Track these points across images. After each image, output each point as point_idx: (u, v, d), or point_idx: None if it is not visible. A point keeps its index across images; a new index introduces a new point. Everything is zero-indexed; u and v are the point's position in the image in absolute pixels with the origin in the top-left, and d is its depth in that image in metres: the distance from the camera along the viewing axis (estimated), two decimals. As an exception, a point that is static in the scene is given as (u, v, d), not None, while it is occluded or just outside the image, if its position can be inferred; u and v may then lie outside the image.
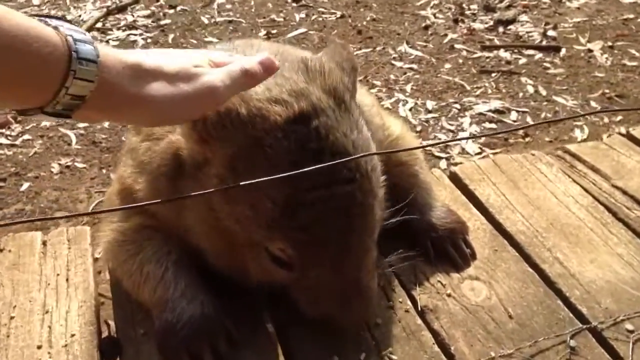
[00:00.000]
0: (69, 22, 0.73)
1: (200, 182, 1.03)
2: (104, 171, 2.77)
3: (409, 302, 1.27)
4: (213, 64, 0.87)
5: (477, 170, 1.64)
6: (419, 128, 3.00)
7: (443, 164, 2.83)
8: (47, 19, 0.70)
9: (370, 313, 1.17)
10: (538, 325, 1.21)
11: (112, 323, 1.28)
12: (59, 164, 2.87)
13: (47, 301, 1.26)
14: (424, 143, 2.76)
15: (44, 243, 1.40)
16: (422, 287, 1.31)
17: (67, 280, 1.31)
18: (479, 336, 1.19)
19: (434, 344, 1.17)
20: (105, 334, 1.24)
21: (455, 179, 1.63)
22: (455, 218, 1.42)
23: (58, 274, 1.32)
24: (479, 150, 2.93)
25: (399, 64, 3.50)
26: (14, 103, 0.71)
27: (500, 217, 1.48)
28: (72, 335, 1.18)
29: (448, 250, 1.37)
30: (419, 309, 1.25)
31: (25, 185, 2.71)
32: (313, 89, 1.02)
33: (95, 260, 1.40)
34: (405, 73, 3.43)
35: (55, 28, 0.69)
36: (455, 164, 2.85)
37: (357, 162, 1.01)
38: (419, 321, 1.22)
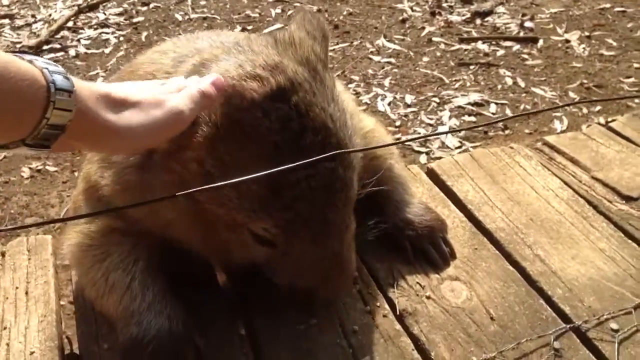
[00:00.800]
0: (39, 55, 0.78)
1: (173, 171, 0.99)
2: (76, 174, 2.68)
3: (386, 306, 1.22)
4: (173, 89, 0.90)
5: (455, 165, 1.59)
6: (398, 122, 2.96)
7: (423, 158, 2.79)
8: (20, 54, 0.73)
9: (349, 286, 1.20)
10: (520, 326, 1.16)
11: (74, 337, 1.22)
12: (30, 168, 2.79)
13: (5, 316, 1.19)
14: (403, 138, 2.72)
15: (2, 254, 1.33)
16: (401, 289, 1.26)
17: (26, 293, 1.24)
18: (459, 340, 1.14)
19: (413, 350, 1.13)
20: (67, 351, 1.17)
21: (432, 175, 1.58)
22: (434, 216, 1.37)
23: (17, 287, 1.25)
24: (459, 144, 2.90)
25: (376, 58, 3.44)
26: None
27: (479, 214, 1.44)
28: (32, 353, 1.12)
29: (427, 249, 1.32)
30: (398, 312, 1.20)
31: (-6, 192, 2.63)
32: (287, 62, 1.00)
33: (57, 271, 1.33)
34: (383, 67, 3.38)
35: (30, 62, 0.71)
36: (436, 159, 2.82)
37: (338, 137, 1.00)
38: (398, 326, 1.17)
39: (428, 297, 1.23)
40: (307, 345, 1.13)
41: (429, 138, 2.95)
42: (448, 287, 1.26)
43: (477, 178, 1.55)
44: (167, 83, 0.93)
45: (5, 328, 1.16)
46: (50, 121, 0.71)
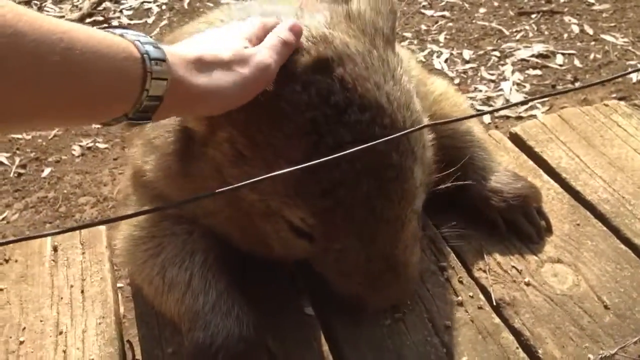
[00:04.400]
0: (127, 28, 0.75)
1: (209, 157, 0.91)
2: (126, 150, 2.61)
3: (481, 296, 1.07)
4: (253, 37, 0.86)
5: (543, 128, 1.41)
6: (456, 80, 2.76)
7: (486, 118, 2.60)
8: (110, 29, 0.72)
9: (408, 294, 1.03)
10: (642, 316, 1.00)
11: (134, 339, 1.11)
12: (80, 146, 2.74)
13: (60, 319, 1.09)
14: (470, 102, 2.52)
15: (55, 248, 1.23)
16: (494, 275, 1.10)
17: (82, 292, 1.14)
18: (570, 334, 0.99)
19: (517, 348, 0.98)
20: (129, 357, 1.07)
21: (517, 141, 1.40)
22: (526, 183, 1.20)
23: (72, 286, 1.15)
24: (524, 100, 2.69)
25: (429, 12, 3.23)
26: (102, 117, 0.72)
27: (577, 184, 1.26)
28: (91, 360, 1.02)
29: (520, 222, 1.16)
30: (494, 303, 1.05)
31: (47, 171, 2.59)
32: (337, 34, 0.89)
33: (114, 266, 1.22)
34: (437, 22, 3.17)
35: (121, 36, 0.71)
36: (500, 119, 2.62)
37: (394, 117, 0.87)
38: (497, 319, 1.02)
39: (527, 284, 1.08)
40: (393, 345, 0.99)
41: (490, 96, 2.75)
42: (550, 271, 1.10)
43: (570, 142, 1.36)
44: (244, 30, 0.86)
45: (61, 333, 1.06)
46: (150, 92, 0.71)
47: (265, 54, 0.82)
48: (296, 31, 0.86)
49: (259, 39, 0.86)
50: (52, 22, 0.63)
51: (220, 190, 0.76)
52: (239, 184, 0.77)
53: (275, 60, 0.82)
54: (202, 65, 0.77)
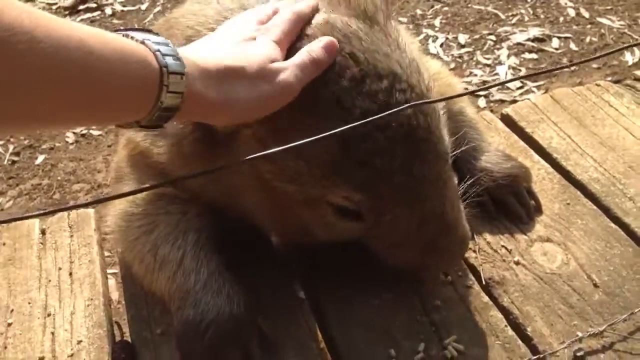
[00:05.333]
0: (150, 32, 0.75)
1: (235, 150, 0.90)
2: (120, 132, 2.60)
3: (470, 275, 1.06)
4: (280, 33, 0.86)
5: (534, 109, 1.40)
6: (452, 65, 2.75)
7: (482, 102, 2.59)
8: (132, 33, 0.72)
9: (462, 253, 1.01)
10: (631, 293, 1.00)
11: (122, 321, 1.11)
12: (74, 133, 2.73)
13: (48, 301, 1.08)
14: (464, 84, 2.51)
15: (43, 232, 1.22)
16: (484, 254, 1.10)
17: (70, 274, 1.13)
18: (559, 312, 0.99)
19: (506, 326, 0.98)
20: (117, 338, 1.07)
21: (509, 121, 1.39)
22: (516, 163, 1.20)
23: (60, 268, 1.15)
24: (521, 84, 2.69)
25: (424, -4, 3.21)
26: (113, 122, 0.74)
27: (567, 164, 1.25)
28: (79, 342, 1.01)
29: (509, 202, 1.16)
30: (483, 282, 1.05)
31: (41, 158, 2.59)
32: (336, 17, 0.91)
33: (102, 248, 1.22)
34: (432, 6, 3.15)
35: (142, 42, 0.70)
36: (495, 102, 2.61)
37: (410, 81, 0.88)
38: (485, 298, 1.02)
39: (517, 263, 1.07)
40: (383, 324, 0.99)
41: (486, 80, 2.74)
42: (539, 250, 1.09)
43: (561, 122, 1.35)
44: (265, 36, 0.85)
45: (49, 315, 1.06)
46: (164, 104, 0.70)
47: (291, 73, 0.81)
48: (330, 50, 0.85)
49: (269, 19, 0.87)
50: (70, 28, 0.63)
51: (223, 165, 0.77)
52: (232, 163, 0.77)
53: (300, 80, 0.82)
54: (224, 78, 0.77)
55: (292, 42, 0.88)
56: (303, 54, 0.84)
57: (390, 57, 0.88)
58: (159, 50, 0.70)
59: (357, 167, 0.85)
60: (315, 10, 0.90)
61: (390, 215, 0.90)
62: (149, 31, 0.76)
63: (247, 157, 0.80)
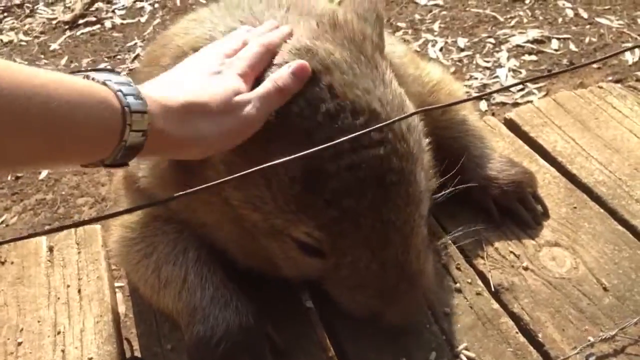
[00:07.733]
0: (112, 71, 0.75)
1: (203, 176, 0.87)
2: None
3: (479, 282, 1.06)
4: (245, 67, 0.85)
5: (537, 113, 1.40)
6: (452, 69, 2.75)
7: (483, 105, 2.59)
8: (93, 74, 0.72)
9: (424, 304, 0.99)
10: (641, 297, 1.00)
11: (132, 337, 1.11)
12: (77, 146, 2.71)
13: (58, 319, 1.09)
14: (466, 90, 2.51)
15: (50, 249, 1.23)
16: (492, 261, 1.10)
17: (79, 291, 1.13)
18: (570, 317, 0.99)
19: (517, 332, 0.97)
20: (128, 355, 1.07)
21: (512, 126, 1.39)
22: (520, 169, 1.20)
23: (68, 285, 1.15)
24: (521, 87, 2.68)
25: (422, 1, 3.21)
26: (78, 162, 0.73)
27: (572, 167, 1.25)
28: (90, 359, 1.01)
29: (516, 208, 1.15)
30: (493, 288, 1.05)
31: (44, 173, 2.59)
32: (320, 44, 0.87)
33: (110, 265, 1.22)
34: (430, 11, 3.15)
35: (104, 83, 0.71)
36: (496, 105, 2.61)
37: (388, 119, 0.84)
38: (496, 305, 1.02)
39: (525, 268, 1.07)
40: (393, 334, 0.99)
41: (487, 83, 2.74)
42: (548, 255, 1.09)
43: (565, 125, 1.35)
44: (230, 70, 0.84)
45: (59, 333, 1.06)
46: (128, 143, 0.71)
47: (253, 107, 0.81)
48: (300, 75, 0.83)
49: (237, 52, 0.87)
50: (28, 74, 0.64)
51: (200, 187, 0.75)
52: (213, 183, 0.76)
53: (264, 111, 0.82)
54: (187, 114, 0.77)
55: (262, 72, 0.86)
56: (268, 84, 0.83)
57: (372, 92, 0.85)
58: (120, 91, 0.70)
59: (323, 205, 0.83)
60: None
61: (351, 256, 0.87)
62: (112, 71, 0.76)
63: (213, 182, 0.77)
